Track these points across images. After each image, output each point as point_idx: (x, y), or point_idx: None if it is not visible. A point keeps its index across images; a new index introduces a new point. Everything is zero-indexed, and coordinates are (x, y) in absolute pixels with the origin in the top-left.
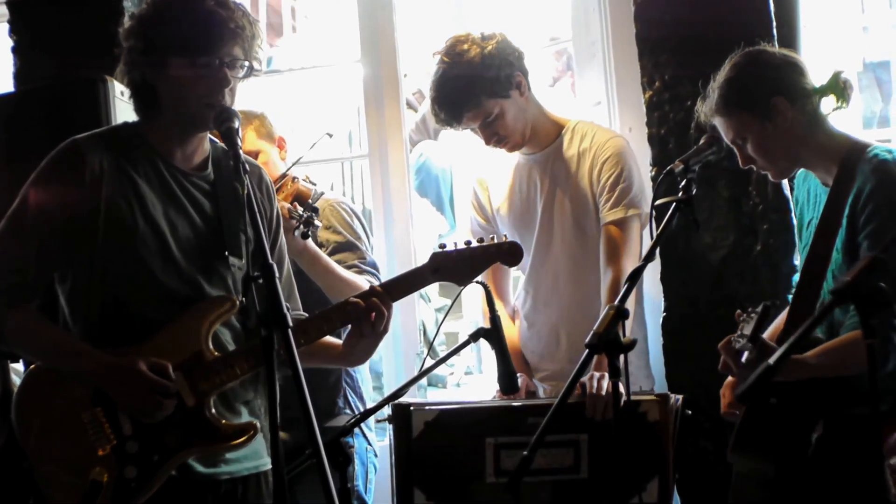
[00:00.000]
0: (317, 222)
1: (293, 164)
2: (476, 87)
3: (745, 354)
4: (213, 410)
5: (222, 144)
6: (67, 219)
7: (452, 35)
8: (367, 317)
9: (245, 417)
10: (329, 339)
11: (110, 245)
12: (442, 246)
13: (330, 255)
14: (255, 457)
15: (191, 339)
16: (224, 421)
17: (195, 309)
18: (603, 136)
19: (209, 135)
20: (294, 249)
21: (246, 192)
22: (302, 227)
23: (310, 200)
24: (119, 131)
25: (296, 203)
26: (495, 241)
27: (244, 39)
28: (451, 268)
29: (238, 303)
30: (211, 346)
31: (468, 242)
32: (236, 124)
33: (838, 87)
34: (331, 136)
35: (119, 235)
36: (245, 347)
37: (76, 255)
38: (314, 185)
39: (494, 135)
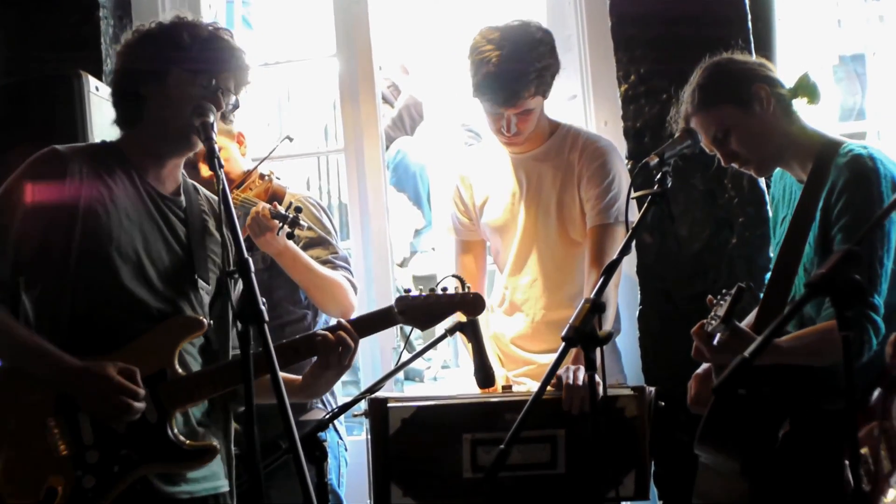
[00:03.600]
0: (302, 222)
1: (257, 165)
2: (539, 79)
3: (718, 336)
4: (175, 429)
5: (192, 181)
6: (46, 220)
7: (516, 17)
8: (334, 349)
9: (204, 439)
10: (285, 374)
11: (86, 252)
12: (406, 291)
13: (302, 250)
14: (214, 478)
15: (158, 355)
16: (188, 442)
17: (165, 325)
18: (594, 142)
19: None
20: (274, 249)
21: (221, 186)
22: (287, 227)
23: (283, 198)
24: (97, 146)
25: (275, 203)
26: (459, 291)
27: (241, 77)
28: (416, 312)
29: (208, 324)
30: (177, 365)
31: (432, 289)
32: (211, 118)
33: (808, 88)
34: (291, 139)
35: (95, 242)
36: (210, 369)
37: (51, 258)
38: (278, 179)
39: (515, 127)
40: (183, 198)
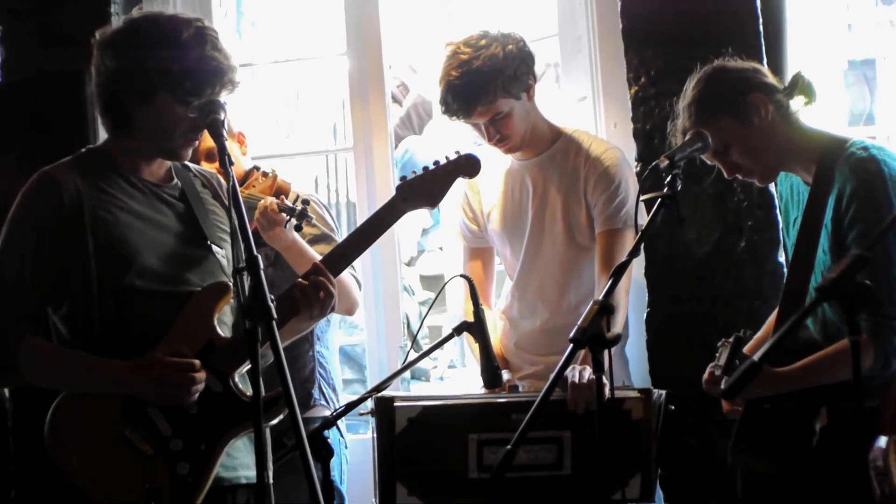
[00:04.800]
0: (310, 214)
1: (252, 168)
2: (494, 83)
3: (724, 383)
4: (242, 388)
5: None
6: (58, 246)
7: (472, 29)
8: (315, 296)
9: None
10: None
11: (102, 260)
12: (402, 178)
13: None
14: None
15: (199, 331)
16: (248, 395)
17: (194, 300)
18: (600, 148)
19: None
20: (282, 243)
21: (232, 184)
22: (295, 220)
23: (288, 194)
24: (85, 156)
25: (282, 197)
26: (450, 158)
27: (231, 87)
28: (420, 193)
29: (233, 286)
30: (220, 333)
31: (426, 167)
32: (222, 116)
33: (803, 87)
34: (258, 169)
35: (110, 249)
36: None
37: (70, 276)
38: (279, 176)
39: (498, 133)
40: (177, 181)
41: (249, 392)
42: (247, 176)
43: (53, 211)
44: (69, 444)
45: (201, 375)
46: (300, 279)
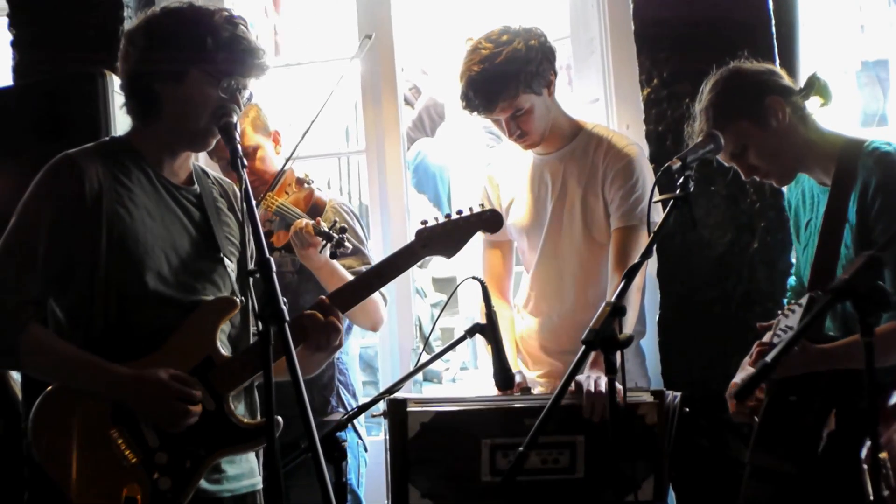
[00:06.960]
0: (347, 244)
1: (293, 152)
2: (516, 79)
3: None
4: (235, 412)
5: (200, 164)
6: (72, 232)
7: (496, 24)
8: (323, 330)
9: (257, 417)
10: None
11: (113, 256)
12: (424, 222)
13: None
14: (252, 475)
15: (200, 344)
16: (246, 420)
17: (199, 312)
18: (619, 143)
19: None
20: (315, 264)
21: (244, 185)
22: (331, 247)
23: (324, 209)
24: (109, 144)
25: (319, 219)
26: (474, 210)
27: (260, 71)
28: (438, 241)
29: (239, 301)
30: (220, 349)
31: (448, 215)
32: (234, 119)
33: (819, 88)
34: (370, 37)
35: (121, 247)
36: (253, 346)
37: (79, 267)
38: (312, 182)
39: (518, 129)
40: (196, 185)
41: (241, 414)
42: (279, 176)
43: (73, 198)
44: (52, 437)
45: (197, 409)
46: (310, 310)
